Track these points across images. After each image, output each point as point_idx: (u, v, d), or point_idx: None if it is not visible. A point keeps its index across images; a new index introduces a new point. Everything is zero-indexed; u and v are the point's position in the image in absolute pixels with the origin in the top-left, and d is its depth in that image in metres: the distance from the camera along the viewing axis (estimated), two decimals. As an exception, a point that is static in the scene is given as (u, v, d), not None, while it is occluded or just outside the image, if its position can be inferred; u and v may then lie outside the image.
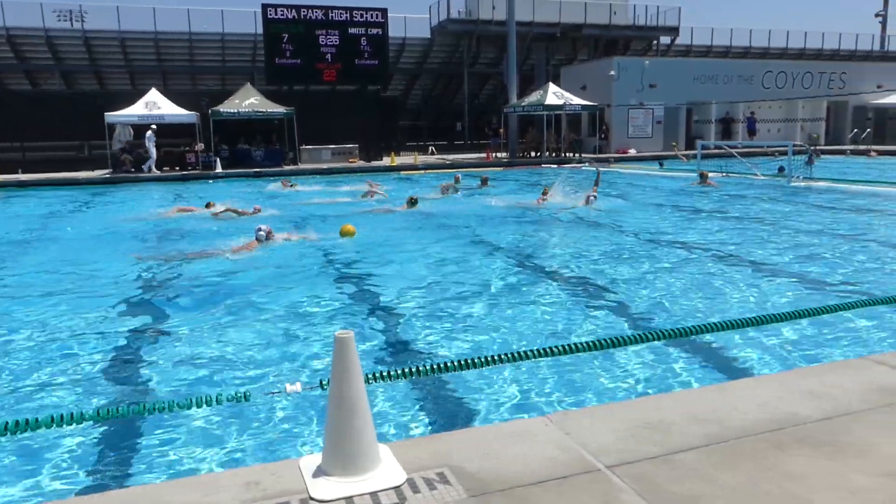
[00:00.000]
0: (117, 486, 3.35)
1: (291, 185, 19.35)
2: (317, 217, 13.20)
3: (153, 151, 23.91)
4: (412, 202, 13.75)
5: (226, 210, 13.14)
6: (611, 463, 2.67)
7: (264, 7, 28.54)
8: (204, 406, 3.62)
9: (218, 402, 3.33)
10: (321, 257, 9.25)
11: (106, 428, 4.04)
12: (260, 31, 30.36)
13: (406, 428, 4.00)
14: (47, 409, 4.26)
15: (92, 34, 32.83)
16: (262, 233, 9.73)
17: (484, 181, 18.48)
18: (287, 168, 26.03)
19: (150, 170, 23.95)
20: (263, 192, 18.72)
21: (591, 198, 13.45)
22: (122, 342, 5.68)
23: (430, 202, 14.86)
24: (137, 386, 4.74)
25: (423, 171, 25.74)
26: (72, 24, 33.40)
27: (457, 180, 18.02)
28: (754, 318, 5.39)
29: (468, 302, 6.68)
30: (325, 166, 26.54)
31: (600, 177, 15.33)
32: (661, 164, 25.83)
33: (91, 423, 3.90)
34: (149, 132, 23.66)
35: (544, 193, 14.78)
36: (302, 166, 26.71)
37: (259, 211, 13.18)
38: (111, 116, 23.90)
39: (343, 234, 10.42)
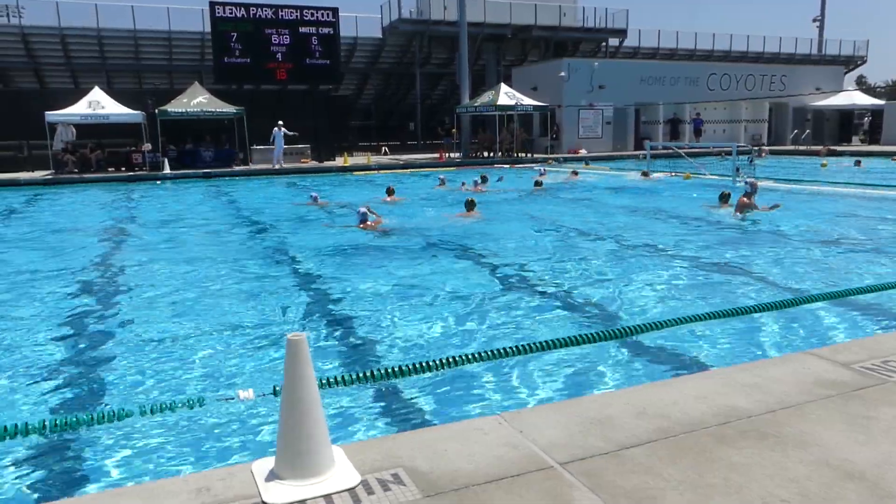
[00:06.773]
0: (62, 496, 3.25)
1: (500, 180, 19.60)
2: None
3: (280, 146, 25.89)
4: (538, 184, 17.62)
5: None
6: (562, 459, 2.72)
7: (212, 5, 27.98)
8: (158, 413, 3.56)
9: (171, 409, 3.28)
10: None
11: (55, 436, 3.93)
12: (207, 29, 29.77)
13: (361, 429, 3.99)
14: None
15: (30, 30, 31.76)
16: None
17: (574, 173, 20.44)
18: (237, 168, 25.64)
19: (277, 163, 25.77)
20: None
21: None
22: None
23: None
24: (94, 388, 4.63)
25: (376, 171, 25.64)
26: (8, 20, 32.20)
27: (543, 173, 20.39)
28: (699, 314, 5.55)
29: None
30: (276, 167, 26.22)
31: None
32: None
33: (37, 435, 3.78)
34: (276, 129, 25.71)
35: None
36: (253, 167, 26.35)
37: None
38: (52, 115, 23.15)
39: None
